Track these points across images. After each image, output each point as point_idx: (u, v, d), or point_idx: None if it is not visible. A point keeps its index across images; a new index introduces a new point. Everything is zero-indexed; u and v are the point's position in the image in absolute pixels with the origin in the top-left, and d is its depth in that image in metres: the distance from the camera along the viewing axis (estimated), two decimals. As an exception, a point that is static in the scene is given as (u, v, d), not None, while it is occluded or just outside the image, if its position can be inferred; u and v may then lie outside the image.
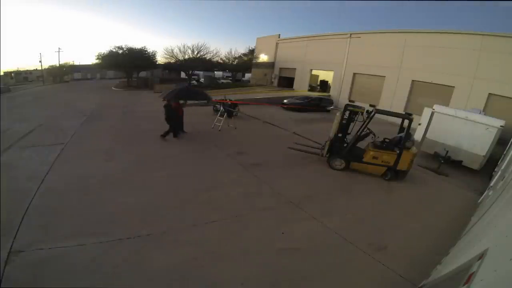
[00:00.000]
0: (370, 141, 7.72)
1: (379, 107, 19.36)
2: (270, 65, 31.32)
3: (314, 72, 26.85)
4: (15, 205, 4.70)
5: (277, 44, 30.43)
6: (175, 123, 9.57)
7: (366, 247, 4.35)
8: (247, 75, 40.01)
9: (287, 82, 29.02)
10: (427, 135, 9.85)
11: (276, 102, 19.40)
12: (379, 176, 7.30)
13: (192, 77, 34.95)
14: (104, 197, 5.29)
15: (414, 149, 7.22)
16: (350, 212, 5.50)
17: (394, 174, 7.20)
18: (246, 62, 34.98)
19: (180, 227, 4.51)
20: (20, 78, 48.21)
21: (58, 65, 49.23)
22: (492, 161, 8.75)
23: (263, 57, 32.59)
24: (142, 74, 37.69)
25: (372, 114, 7.36)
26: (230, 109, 12.87)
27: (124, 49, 32.83)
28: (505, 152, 8.55)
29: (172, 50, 31.90)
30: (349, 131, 7.82)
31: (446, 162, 8.68)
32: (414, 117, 7.66)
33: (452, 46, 15.83)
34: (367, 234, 4.74)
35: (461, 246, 3.81)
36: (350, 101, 21.44)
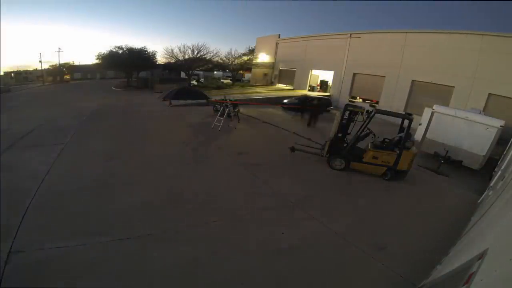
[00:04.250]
0: (370, 141, 7.72)
1: (379, 107, 19.35)
2: (270, 65, 31.31)
3: (314, 72, 26.84)
4: (15, 205, 4.70)
5: (277, 44, 30.41)
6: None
7: (366, 247, 4.35)
8: (247, 75, 39.98)
9: (287, 82, 29.02)
10: (427, 135, 9.85)
11: (276, 102, 19.40)
12: (379, 176, 7.30)
13: (192, 77, 34.92)
14: (104, 197, 5.28)
15: (414, 149, 7.22)
16: (350, 212, 5.50)
17: (394, 174, 7.20)
18: (246, 62, 34.95)
19: (180, 227, 4.51)
20: (20, 78, 48.18)
21: (58, 65, 49.25)
22: (492, 161, 8.74)
23: (263, 57, 32.58)
24: (142, 74, 37.66)
25: (372, 114, 7.36)
26: (230, 110, 12.88)
27: (124, 49, 32.82)
28: (505, 152, 8.55)
29: (172, 50, 31.86)
30: (349, 131, 7.81)
31: (446, 162, 8.67)
32: (414, 117, 7.65)
33: (452, 46, 15.82)
34: (367, 234, 4.74)
35: (461, 246, 3.81)
36: (350, 101, 21.46)
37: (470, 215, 5.31)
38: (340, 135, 7.75)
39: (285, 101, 18.96)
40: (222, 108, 12.60)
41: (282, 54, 30.01)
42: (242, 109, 14.56)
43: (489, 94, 14.25)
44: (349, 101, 21.42)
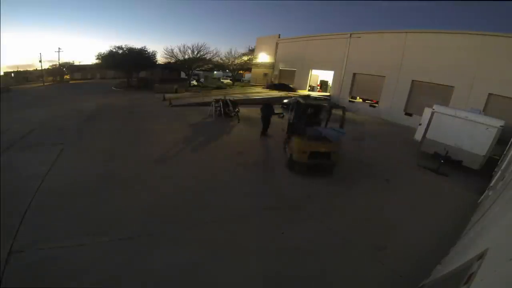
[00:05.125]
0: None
1: (380, 107, 19.39)
2: (270, 65, 31.31)
3: (314, 72, 26.85)
4: (15, 205, 4.70)
5: (277, 44, 30.42)
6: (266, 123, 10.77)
7: (366, 247, 4.35)
8: (247, 75, 39.98)
9: (287, 82, 29.02)
10: (427, 135, 9.84)
11: (276, 102, 19.36)
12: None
13: (192, 77, 34.91)
14: (104, 197, 5.29)
15: (314, 143, 6.65)
16: (350, 212, 5.50)
17: (291, 161, 7.02)
18: (246, 62, 34.97)
19: (180, 227, 4.51)
20: (20, 78, 48.10)
21: (58, 65, 49.22)
22: (492, 161, 8.74)
23: (263, 57, 32.58)
24: (142, 74, 37.63)
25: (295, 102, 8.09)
26: (230, 109, 12.92)
27: (124, 49, 32.79)
28: (505, 152, 8.54)
29: (172, 50, 31.86)
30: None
31: (446, 162, 8.67)
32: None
33: (452, 46, 15.81)
34: (367, 234, 4.74)
35: (461, 246, 3.81)
36: (350, 101, 21.48)
37: (470, 215, 5.31)
38: (294, 121, 8.16)
39: (285, 101, 18.95)
40: (215, 104, 13.50)
41: (282, 54, 30.01)
42: (242, 109, 14.56)
43: (489, 94, 14.23)
44: (349, 100, 21.47)
